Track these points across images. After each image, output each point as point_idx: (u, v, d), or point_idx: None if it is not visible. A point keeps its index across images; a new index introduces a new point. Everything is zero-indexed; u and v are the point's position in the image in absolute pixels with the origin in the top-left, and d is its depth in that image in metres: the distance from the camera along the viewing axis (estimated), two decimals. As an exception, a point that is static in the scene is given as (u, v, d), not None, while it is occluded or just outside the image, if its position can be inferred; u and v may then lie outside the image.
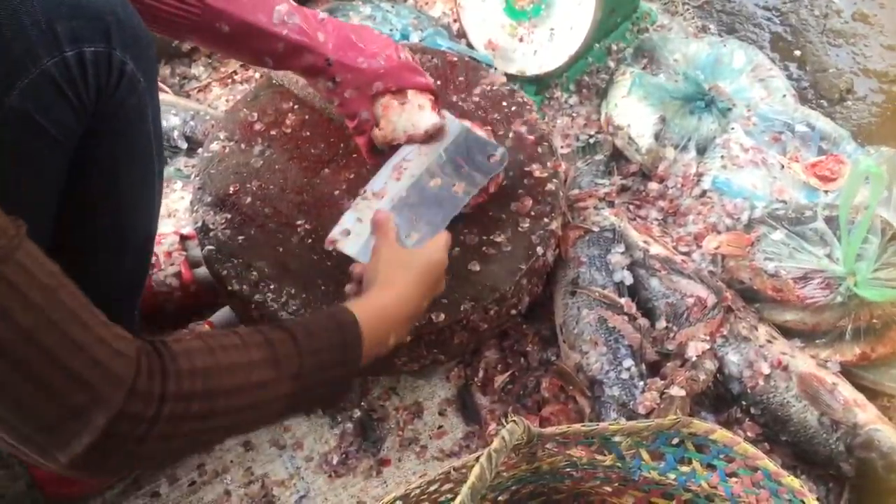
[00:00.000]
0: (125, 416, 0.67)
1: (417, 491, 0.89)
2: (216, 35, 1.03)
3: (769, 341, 1.26)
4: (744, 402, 1.24)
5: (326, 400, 0.93)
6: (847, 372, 1.26)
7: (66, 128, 0.84)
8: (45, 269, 0.66)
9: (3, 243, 0.63)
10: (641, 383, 1.21)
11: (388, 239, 1.05)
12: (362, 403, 1.31)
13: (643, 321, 1.29)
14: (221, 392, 0.74)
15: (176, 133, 1.63)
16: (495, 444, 0.77)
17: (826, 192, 1.44)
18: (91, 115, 0.86)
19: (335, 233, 1.15)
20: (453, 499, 0.81)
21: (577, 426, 0.88)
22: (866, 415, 1.18)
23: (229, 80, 1.84)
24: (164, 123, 1.62)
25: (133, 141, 0.95)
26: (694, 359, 1.23)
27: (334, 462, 1.25)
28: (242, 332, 0.79)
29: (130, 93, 0.89)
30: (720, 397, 1.26)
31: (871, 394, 1.26)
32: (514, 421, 0.81)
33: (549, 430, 0.87)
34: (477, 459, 0.75)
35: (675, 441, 0.92)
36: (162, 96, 1.66)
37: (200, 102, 1.77)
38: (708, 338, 1.24)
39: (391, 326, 0.94)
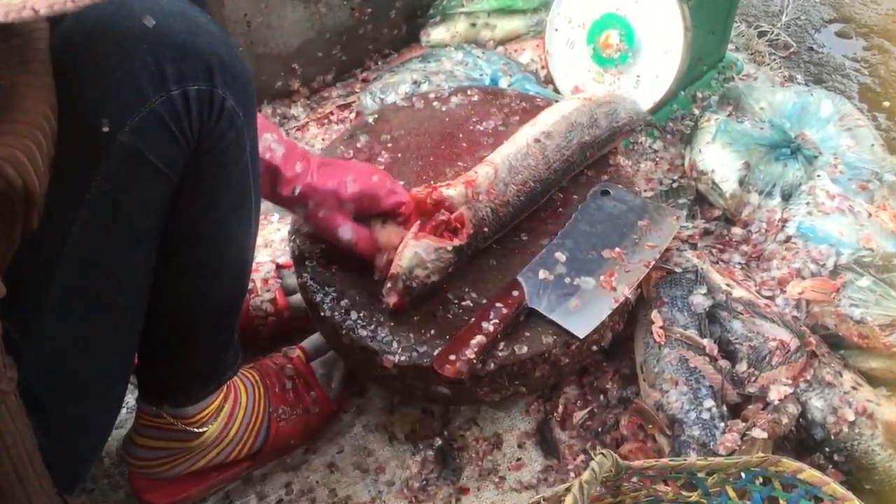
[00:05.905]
0: None
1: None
2: None
3: (854, 388, 1.25)
4: (827, 449, 1.23)
5: None
6: (936, 423, 1.24)
7: (171, 161, 0.89)
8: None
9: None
10: (722, 424, 1.21)
11: None
12: (444, 432, 1.34)
13: (724, 363, 1.29)
14: None
15: (275, 169, 1.71)
16: (585, 475, 0.79)
17: (915, 241, 1.42)
18: (194, 148, 0.92)
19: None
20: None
21: (665, 460, 0.89)
22: (956, 467, 1.16)
23: (326, 120, 1.92)
24: (264, 160, 1.71)
25: (231, 171, 0.99)
26: (776, 402, 1.23)
27: (415, 487, 1.28)
28: None
29: (230, 127, 0.94)
30: (802, 443, 1.25)
31: (962, 446, 1.23)
32: (603, 453, 0.84)
33: (636, 463, 0.89)
34: (567, 490, 0.77)
35: (762, 480, 0.93)
36: (264, 134, 1.77)
37: (299, 141, 1.85)
38: (790, 382, 1.24)
39: None
